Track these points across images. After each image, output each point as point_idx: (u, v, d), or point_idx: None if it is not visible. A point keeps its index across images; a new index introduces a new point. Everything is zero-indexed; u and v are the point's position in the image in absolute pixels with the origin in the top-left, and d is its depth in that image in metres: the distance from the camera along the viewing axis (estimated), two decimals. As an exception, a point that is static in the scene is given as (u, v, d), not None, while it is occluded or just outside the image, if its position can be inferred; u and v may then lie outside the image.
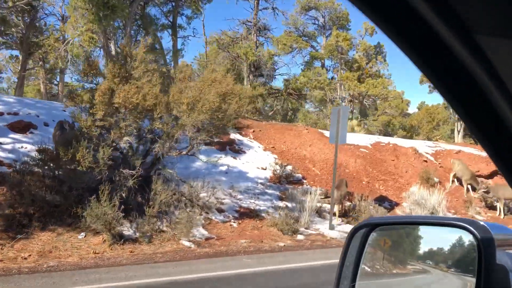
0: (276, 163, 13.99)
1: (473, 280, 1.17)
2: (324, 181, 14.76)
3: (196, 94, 8.70)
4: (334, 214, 12.20)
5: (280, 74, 18.71)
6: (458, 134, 28.88)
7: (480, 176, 18.93)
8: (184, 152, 10.20)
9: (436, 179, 17.30)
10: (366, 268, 1.52)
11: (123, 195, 8.97)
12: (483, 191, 15.70)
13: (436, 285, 1.42)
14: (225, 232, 10.23)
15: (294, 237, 10.44)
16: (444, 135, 37.35)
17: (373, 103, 28.13)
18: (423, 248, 1.47)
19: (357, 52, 28.80)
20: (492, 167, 19.26)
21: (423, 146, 20.88)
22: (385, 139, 20.19)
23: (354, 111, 35.90)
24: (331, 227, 11.43)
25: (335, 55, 26.72)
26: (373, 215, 12.13)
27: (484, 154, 21.27)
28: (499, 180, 19.29)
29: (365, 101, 27.35)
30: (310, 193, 11.87)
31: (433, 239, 1.45)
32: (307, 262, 8.08)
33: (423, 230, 1.48)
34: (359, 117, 38.83)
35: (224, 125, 9.46)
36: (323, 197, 12.34)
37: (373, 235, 1.51)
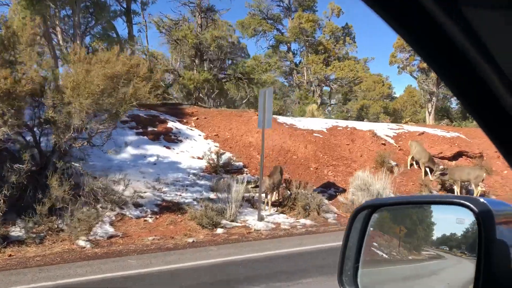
0: (213, 152, 13.07)
1: None
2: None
3: (80, 78, 7.74)
4: (267, 204, 11.36)
5: (231, 59, 17.63)
6: (430, 115, 28.05)
7: (443, 158, 18.16)
8: (84, 143, 9.26)
9: (393, 163, 16.48)
10: (380, 253, 1.56)
11: (6, 193, 8.05)
12: (440, 174, 14.89)
13: (451, 270, 1.41)
14: (135, 229, 9.35)
15: (213, 231, 9.59)
16: (423, 118, 36.59)
17: (341, 86, 27.14)
18: (438, 233, 1.47)
19: (324, 34, 27.78)
20: (456, 148, 18.49)
21: (385, 129, 20.03)
22: (343, 123, 19.31)
23: (336, 97, 35.10)
24: (261, 218, 10.57)
25: (301, 38, 25.71)
26: (310, 203, 11.30)
27: (448, 135, 20.48)
28: (463, 162, 18.53)
29: (332, 85, 26.40)
30: (237, 182, 10.98)
31: (446, 223, 1.45)
32: (201, 260, 7.22)
33: (436, 216, 1.47)
34: (340, 101, 38.02)
35: (117, 110, 8.49)
36: (253, 186, 11.44)
37: (375, 216, 1.55)
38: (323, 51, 26.45)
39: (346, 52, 28.29)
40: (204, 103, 19.93)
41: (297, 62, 28.19)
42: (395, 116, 44.71)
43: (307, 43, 26.26)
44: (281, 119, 18.33)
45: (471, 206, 1.16)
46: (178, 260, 7.25)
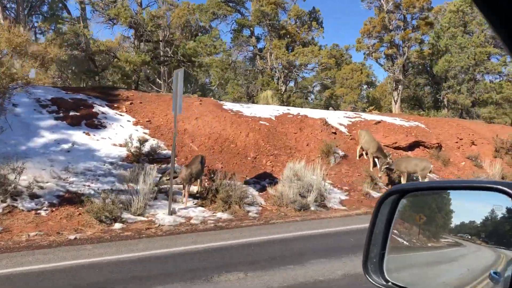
0: (137, 139, 12.11)
1: (507, 252, 1.24)
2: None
3: None
4: (185, 196, 10.48)
5: (172, 40, 16.43)
6: (395, 104, 27.26)
7: (397, 148, 17.41)
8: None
9: (341, 152, 15.68)
10: (401, 240, 1.55)
11: None
12: (386, 166, 14.10)
13: (471, 257, 1.41)
14: (20, 224, 8.40)
15: (110, 227, 8.68)
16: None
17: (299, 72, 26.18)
18: (456, 221, 1.47)
19: (289, 18, 26.77)
20: (412, 138, 17.74)
21: (341, 117, 19.21)
22: (295, 111, 18.42)
23: (316, 85, 34.01)
24: (172, 212, 9.69)
25: (263, 22, 24.67)
26: (231, 195, 10.44)
27: (407, 124, 19.71)
28: (420, 152, 17.79)
29: (295, 71, 25.44)
30: (145, 173, 10.05)
31: (466, 210, 1.45)
32: (60, 262, 6.32)
33: (455, 204, 1.46)
34: (319, 89, 37.02)
35: None
36: (167, 177, 10.50)
37: (403, 202, 1.53)
38: (287, 36, 25.45)
39: (313, 37, 27.31)
40: (154, 87, 18.93)
41: (263, 48, 27.13)
42: (375, 105, 44.04)
43: (270, 27, 25.22)
44: (228, 105, 17.39)
45: (509, 191, 1.14)
46: (35, 261, 6.35)
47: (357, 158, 15.83)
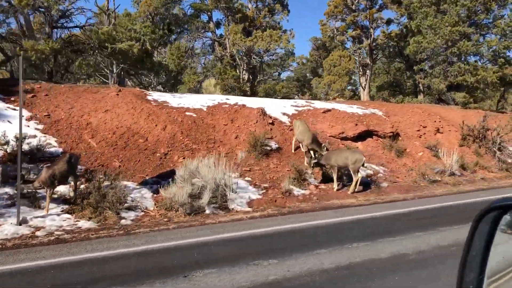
0: (15, 136, 10.62)
1: None
2: (101, 156, 11.51)
3: None
4: (47, 201, 8.99)
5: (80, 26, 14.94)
6: (364, 90, 25.46)
7: (344, 139, 15.77)
8: None
9: (274, 145, 14.10)
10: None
11: None
12: (314, 160, 12.48)
13: None
14: None
15: None
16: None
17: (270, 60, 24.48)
18: None
19: (249, 1, 25.00)
20: (362, 127, 16.10)
21: (287, 106, 17.58)
22: (234, 100, 16.84)
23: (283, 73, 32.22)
24: (23, 221, 8.23)
25: (218, 6, 23.00)
26: (103, 200, 8.94)
27: (362, 111, 18.00)
28: (372, 142, 16.14)
29: (254, 58, 23.75)
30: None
31: None
32: None
33: None
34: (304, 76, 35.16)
35: None
36: (38, 184, 8.94)
37: (506, 219, 1.40)
38: (246, 20, 23.76)
39: (278, 22, 25.56)
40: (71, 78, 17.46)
41: (219, 34, 25.48)
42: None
43: (227, 10, 23.55)
44: (154, 96, 15.85)
45: None
46: None
47: (293, 151, 14.24)
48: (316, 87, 46.49)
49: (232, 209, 10.09)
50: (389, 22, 24.38)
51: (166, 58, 24.96)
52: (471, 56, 24.38)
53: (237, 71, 24.69)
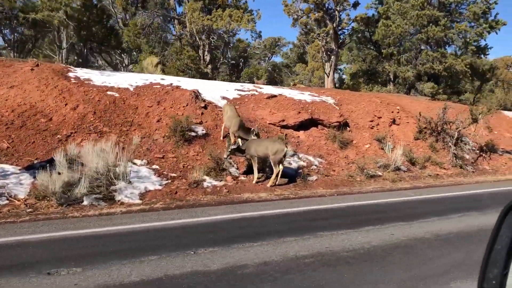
0: None
1: None
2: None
3: None
4: None
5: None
6: (328, 77, 24.19)
7: (285, 127, 14.64)
8: None
9: (201, 131, 12.97)
10: None
11: None
12: (232, 147, 11.36)
13: None
14: None
15: None
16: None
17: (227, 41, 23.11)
18: None
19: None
20: (305, 115, 14.99)
21: (230, 90, 16.39)
22: (170, 80, 15.64)
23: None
24: None
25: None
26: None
27: (311, 99, 16.82)
28: (315, 132, 15.02)
29: (212, 38, 22.40)
30: None
31: None
32: None
33: None
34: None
35: None
36: None
37: None
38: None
39: (243, 2, 24.17)
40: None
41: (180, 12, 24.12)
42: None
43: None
44: (79, 72, 14.65)
45: None
46: None
47: (222, 138, 13.11)
48: (301, 74, 45.30)
49: (118, 201, 9.00)
50: (356, 5, 23.03)
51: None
52: (446, 46, 23.08)
53: (199, 52, 23.41)
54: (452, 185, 13.16)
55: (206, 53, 23.93)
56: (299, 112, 15.09)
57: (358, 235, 6.67)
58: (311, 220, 7.70)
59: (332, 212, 8.50)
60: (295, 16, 22.88)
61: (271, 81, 30.11)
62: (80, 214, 7.88)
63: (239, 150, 11.36)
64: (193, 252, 5.65)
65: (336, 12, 22.39)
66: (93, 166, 9.23)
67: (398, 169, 14.09)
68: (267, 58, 49.24)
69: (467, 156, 16.71)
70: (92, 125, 11.77)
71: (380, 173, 13.49)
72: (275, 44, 46.35)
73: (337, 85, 26.14)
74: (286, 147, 11.29)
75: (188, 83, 15.53)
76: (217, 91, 15.73)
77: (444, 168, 15.24)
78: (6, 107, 11.32)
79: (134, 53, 27.61)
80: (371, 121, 16.88)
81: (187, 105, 13.86)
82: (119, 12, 30.33)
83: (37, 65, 13.64)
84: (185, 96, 14.20)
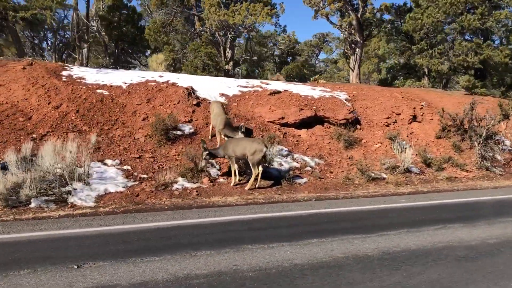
0: None
1: None
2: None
3: None
4: None
5: None
6: (353, 72, 22.62)
7: (284, 125, 13.74)
8: None
9: (188, 129, 12.33)
10: None
11: None
12: (205, 157, 10.52)
13: None
14: None
15: None
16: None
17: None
18: None
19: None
20: (307, 112, 14.04)
21: (233, 86, 15.61)
22: (168, 77, 15.10)
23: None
24: None
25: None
26: None
27: (318, 95, 15.66)
28: (320, 130, 13.96)
29: (230, 34, 21.63)
30: None
31: None
32: None
33: None
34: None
35: None
36: None
37: None
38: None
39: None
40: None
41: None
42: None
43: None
44: (74, 71, 14.46)
45: None
46: None
47: (209, 137, 12.40)
48: (344, 69, 43.58)
49: (71, 203, 8.53)
50: (382, -9, 21.34)
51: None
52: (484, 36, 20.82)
53: (220, 48, 22.82)
54: (467, 190, 11.58)
55: (227, 49, 23.29)
56: (301, 109, 14.02)
57: (290, 250, 5.70)
58: (252, 230, 6.78)
59: (286, 221, 7.51)
60: (316, 8, 21.67)
61: (301, 78, 28.96)
62: (12, 218, 7.45)
63: (212, 155, 10.55)
64: (76, 267, 4.98)
65: (359, 1, 20.87)
66: (49, 167, 8.82)
67: (408, 171, 12.69)
68: (315, 55, 48.00)
69: (499, 157, 14.83)
70: (72, 123, 11.46)
71: (385, 176, 12.18)
72: (323, 40, 45.00)
73: (371, 79, 24.44)
74: (266, 147, 10.35)
75: (185, 80, 14.95)
76: (217, 88, 15.01)
77: (466, 171, 13.56)
78: (-16, 106, 11.26)
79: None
80: (388, 118, 15.45)
81: (178, 103, 13.27)
82: (149, 13, 30.52)
83: (31, 64, 13.60)
84: (178, 93, 13.62)
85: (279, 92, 15.11)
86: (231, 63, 23.26)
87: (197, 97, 13.81)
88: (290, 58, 43.13)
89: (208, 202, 9.04)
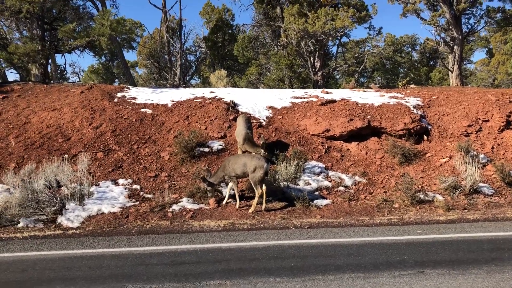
0: None
1: None
2: (7, 156, 11.40)
3: None
4: None
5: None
6: (452, 73, 19.11)
7: (330, 138, 12.45)
8: None
9: (217, 146, 11.81)
10: None
11: None
12: (207, 187, 9.77)
13: None
14: None
15: None
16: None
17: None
18: None
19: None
20: (357, 123, 12.49)
21: (285, 98, 14.56)
22: (218, 93, 14.71)
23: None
24: None
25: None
26: None
27: (380, 102, 13.66)
28: (373, 144, 12.29)
29: (312, 42, 20.33)
30: None
31: None
32: None
33: None
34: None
35: None
36: None
37: None
38: (301, -1, 20.57)
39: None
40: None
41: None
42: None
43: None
44: (131, 92, 15.02)
45: None
46: None
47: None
48: (484, 70, 38.38)
49: (59, 223, 8.64)
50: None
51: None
52: None
53: (309, 59, 21.82)
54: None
55: (316, 59, 22.15)
56: (351, 119, 12.33)
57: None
58: (171, 265, 5.87)
59: (221, 254, 6.37)
60: (404, 5, 19.11)
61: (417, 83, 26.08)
62: (26, 235, 7.79)
63: (212, 184, 9.72)
64: None
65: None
66: (43, 186, 9.11)
67: (475, 191, 10.13)
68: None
69: None
70: (105, 143, 11.84)
71: (440, 197, 9.87)
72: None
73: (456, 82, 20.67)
74: (268, 162, 9.20)
75: (235, 94, 14.44)
76: (266, 100, 14.16)
77: None
78: (36, 129, 12.30)
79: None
80: (469, 125, 12.70)
81: (215, 119, 12.82)
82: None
83: (90, 88, 14.57)
84: (218, 109, 13.19)
85: (333, 101, 13.61)
86: (319, 73, 22.02)
87: (237, 111, 13.19)
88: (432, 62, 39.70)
89: (196, 226, 8.31)
